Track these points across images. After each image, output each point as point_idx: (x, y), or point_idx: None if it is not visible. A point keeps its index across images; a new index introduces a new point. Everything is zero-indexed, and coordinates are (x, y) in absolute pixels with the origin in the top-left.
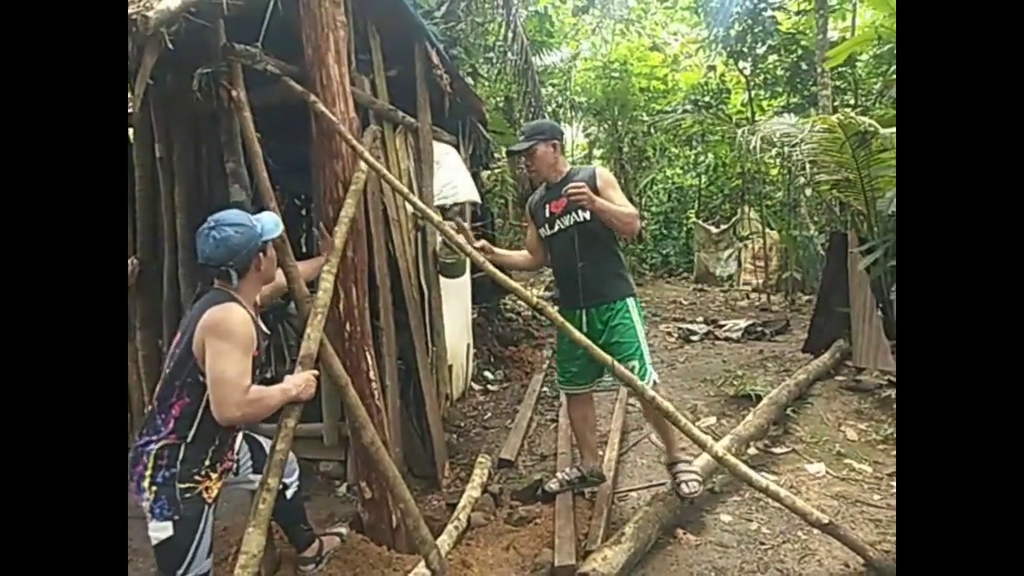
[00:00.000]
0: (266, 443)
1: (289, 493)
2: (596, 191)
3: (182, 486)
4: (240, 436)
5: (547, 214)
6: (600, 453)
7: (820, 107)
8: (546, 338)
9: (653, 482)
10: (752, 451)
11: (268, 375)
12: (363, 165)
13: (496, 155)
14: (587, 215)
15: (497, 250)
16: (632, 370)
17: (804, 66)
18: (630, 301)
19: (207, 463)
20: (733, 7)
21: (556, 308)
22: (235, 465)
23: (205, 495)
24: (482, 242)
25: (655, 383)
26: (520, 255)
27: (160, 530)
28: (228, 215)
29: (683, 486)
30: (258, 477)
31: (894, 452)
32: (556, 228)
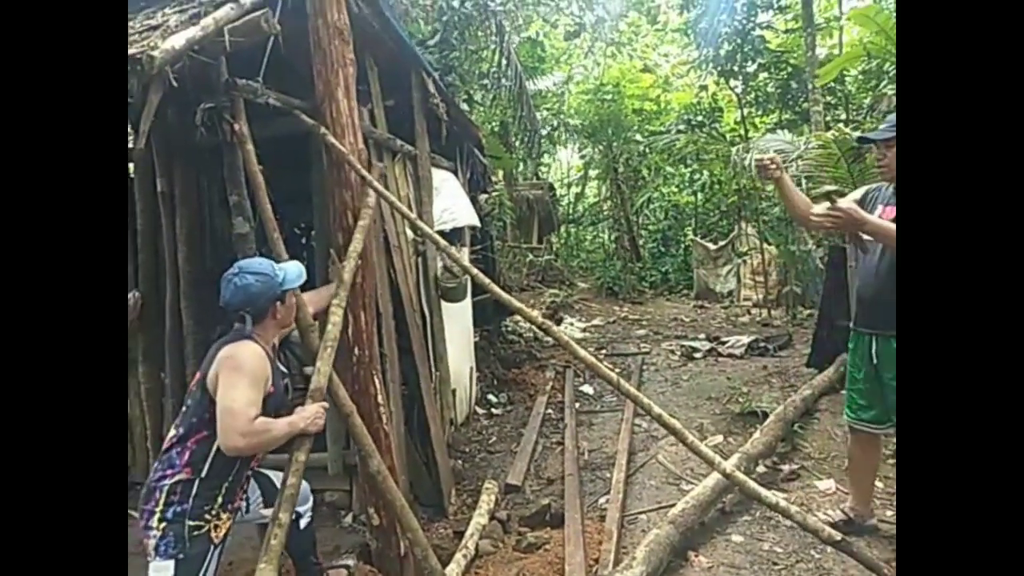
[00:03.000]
0: (274, 476)
1: (303, 523)
2: None
3: (191, 523)
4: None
5: (874, 215)
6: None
7: (813, 123)
8: (548, 359)
9: (662, 503)
10: (761, 469)
11: (280, 411)
12: (370, 200)
13: (493, 179)
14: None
15: (790, 181)
16: None
17: (794, 84)
18: None
19: (220, 500)
20: (722, 27)
21: (852, 331)
22: (245, 504)
23: (213, 534)
24: (777, 158)
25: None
26: (803, 201)
27: (162, 569)
28: (252, 263)
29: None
30: (269, 511)
31: None
32: None
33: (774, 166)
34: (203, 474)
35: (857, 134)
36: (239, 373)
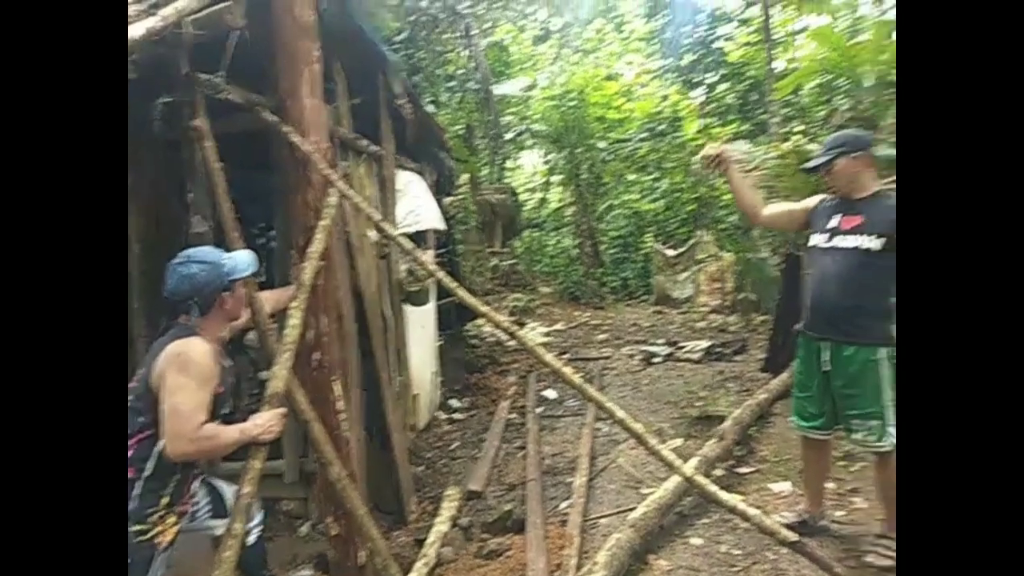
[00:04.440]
0: (224, 486)
1: (251, 539)
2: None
3: (135, 528)
4: (198, 480)
5: (829, 223)
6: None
7: (771, 134)
8: (511, 364)
9: (623, 507)
10: (718, 472)
11: (227, 410)
12: (331, 200)
13: (458, 182)
14: (878, 244)
15: (740, 175)
16: (870, 430)
17: (753, 95)
18: (884, 351)
19: (164, 501)
20: (684, 38)
21: (800, 334)
22: (192, 509)
23: (158, 540)
24: (726, 150)
25: (893, 445)
26: (753, 199)
27: None
28: (200, 251)
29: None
30: (216, 523)
31: (853, 468)
32: (833, 244)
33: (720, 159)
34: (147, 473)
35: (808, 164)
36: (187, 374)
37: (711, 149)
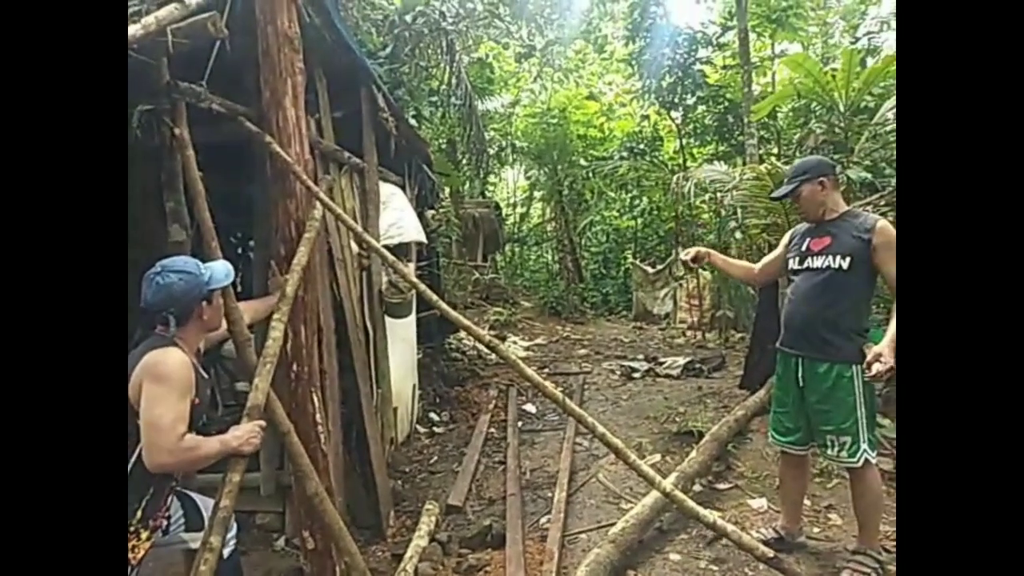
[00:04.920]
0: (199, 498)
1: (226, 552)
2: (871, 248)
3: None
4: (172, 492)
5: (803, 247)
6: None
7: (747, 155)
8: (491, 378)
9: (603, 523)
10: (697, 487)
11: (201, 422)
12: (316, 213)
13: (441, 196)
14: (846, 263)
15: (721, 256)
16: (843, 445)
17: (731, 117)
18: (856, 368)
19: (138, 516)
20: (664, 60)
21: (778, 350)
22: (166, 523)
23: (131, 555)
24: (703, 250)
25: (866, 461)
26: (742, 266)
27: None
28: (176, 261)
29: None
30: (190, 536)
31: (829, 485)
32: (805, 265)
33: (697, 257)
34: None
35: (775, 193)
36: (165, 385)
37: (686, 255)
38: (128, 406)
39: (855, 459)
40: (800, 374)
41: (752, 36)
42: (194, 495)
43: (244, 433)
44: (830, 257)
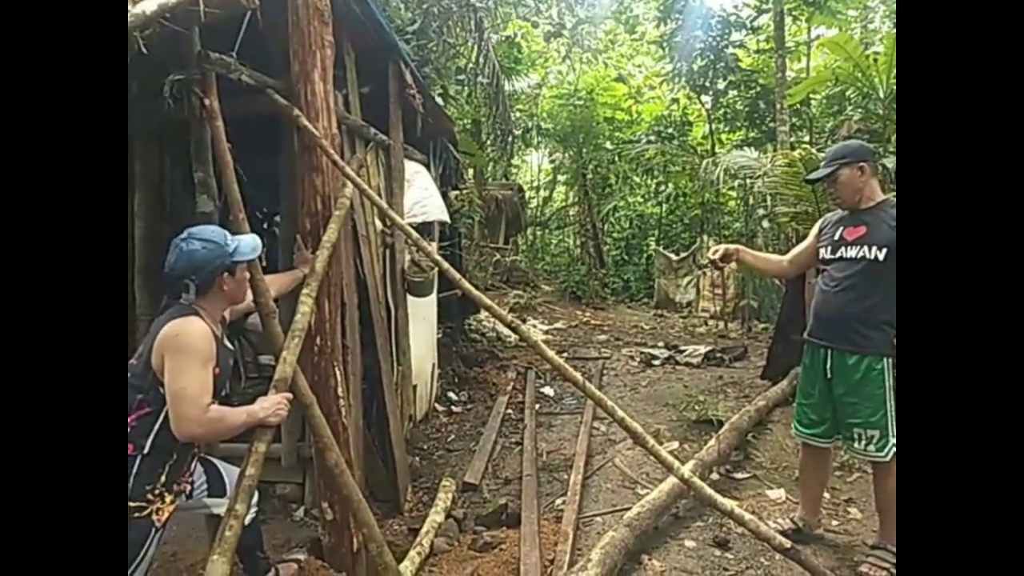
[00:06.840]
0: (222, 466)
1: (248, 518)
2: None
3: (133, 504)
4: (195, 458)
5: (836, 236)
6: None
7: (779, 142)
8: (510, 360)
9: (618, 507)
10: (714, 476)
11: (224, 393)
12: (347, 191)
13: (464, 176)
14: (882, 254)
15: (751, 253)
16: (871, 439)
17: (762, 103)
18: (887, 362)
19: (163, 479)
20: (696, 43)
21: (805, 341)
22: (190, 487)
23: (155, 517)
24: (732, 247)
25: (893, 456)
26: (773, 260)
27: None
28: (203, 230)
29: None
30: (213, 501)
31: (850, 479)
32: (839, 255)
33: (726, 255)
34: (145, 450)
35: (811, 175)
36: (188, 355)
37: (714, 254)
38: (151, 373)
39: (883, 453)
40: (828, 365)
41: (788, 20)
42: (217, 462)
43: (271, 404)
44: (865, 247)
